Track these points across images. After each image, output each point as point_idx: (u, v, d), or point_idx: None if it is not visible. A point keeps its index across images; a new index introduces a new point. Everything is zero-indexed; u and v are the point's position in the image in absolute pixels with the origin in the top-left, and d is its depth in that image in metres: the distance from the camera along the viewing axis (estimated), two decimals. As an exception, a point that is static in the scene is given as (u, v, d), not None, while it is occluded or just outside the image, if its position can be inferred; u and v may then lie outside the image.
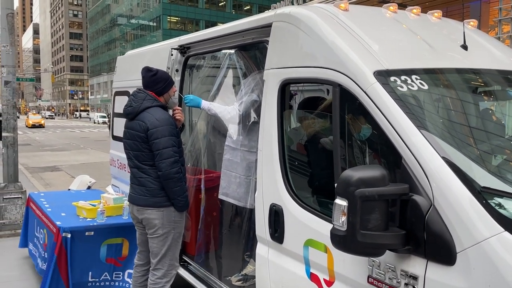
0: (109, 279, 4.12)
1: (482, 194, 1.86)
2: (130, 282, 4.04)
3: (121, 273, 4.14)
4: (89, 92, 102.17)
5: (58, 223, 3.97)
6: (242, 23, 3.34)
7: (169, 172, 3.34)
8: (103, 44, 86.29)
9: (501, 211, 1.84)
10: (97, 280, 4.07)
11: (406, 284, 1.96)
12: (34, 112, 74.93)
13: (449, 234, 1.81)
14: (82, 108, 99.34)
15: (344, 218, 1.88)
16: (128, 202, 3.72)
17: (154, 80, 3.56)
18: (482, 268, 1.72)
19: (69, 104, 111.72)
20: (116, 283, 4.15)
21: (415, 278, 1.93)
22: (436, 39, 2.73)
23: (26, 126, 46.36)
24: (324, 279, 2.41)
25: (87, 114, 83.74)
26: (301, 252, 2.53)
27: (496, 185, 2.03)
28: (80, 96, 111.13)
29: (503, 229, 1.74)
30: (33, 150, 21.05)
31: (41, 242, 4.53)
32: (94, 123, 59.05)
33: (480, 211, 1.79)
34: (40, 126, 46.31)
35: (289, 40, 2.76)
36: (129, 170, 3.65)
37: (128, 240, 4.10)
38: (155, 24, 64.15)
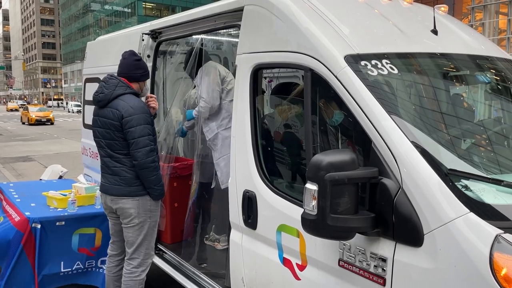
0: (82, 267, 4.04)
1: (449, 177, 1.89)
2: (104, 268, 3.99)
3: (94, 261, 4.07)
4: (63, 81, 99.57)
5: (27, 213, 3.85)
6: (214, 7, 3.28)
7: (145, 161, 3.25)
8: (76, 31, 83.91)
9: (467, 193, 1.87)
10: (70, 269, 3.99)
11: (375, 266, 1.98)
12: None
13: (416, 216, 1.84)
14: (55, 97, 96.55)
15: (314, 202, 1.88)
16: (100, 192, 3.64)
17: (137, 65, 3.47)
18: (448, 249, 1.75)
19: (42, 92, 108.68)
20: (89, 269, 4.08)
21: (384, 260, 1.95)
22: (407, 24, 2.74)
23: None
24: (297, 264, 2.42)
25: (61, 103, 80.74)
26: (274, 238, 2.53)
27: (463, 168, 2.06)
28: (54, 85, 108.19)
29: (468, 210, 1.77)
30: (5, 140, 20.45)
31: None
32: (69, 112, 57.50)
33: (447, 193, 1.82)
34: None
35: (261, 24, 2.72)
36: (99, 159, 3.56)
37: (101, 230, 4.03)
38: (130, 10, 62.68)
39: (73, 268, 4.00)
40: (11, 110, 59.78)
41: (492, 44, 3.32)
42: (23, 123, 32.48)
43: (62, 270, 3.94)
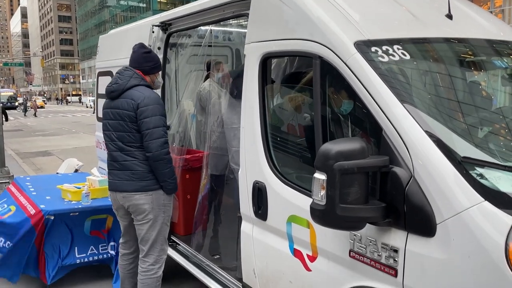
0: (96, 252, 4.11)
1: (462, 165, 1.83)
2: (113, 253, 4.00)
3: (106, 244, 4.15)
4: (81, 76, 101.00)
5: (42, 206, 3.92)
6: (222, -3, 3.24)
7: (159, 153, 3.16)
8: (93, 27, 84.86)
9: (481, 181, 1.81)
10: (85, 255, 4.06)
11: (387, 257, 1.94)
12: None
13: (429, 205, 1.78)
14: (74, 93, 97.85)
15: (323, 192, 1.85)
16: (109, 191, 3.46)
17: (146, 58, 3.42)
18: (462, 239, 1.70)
19: (61, 88, 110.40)
20: (104, 255, 4.17)
21: (395, 250, 1.90)
22: (420, 9, 2.66)
23: None
24: (307, 255, 2.39)
25: (79, 99, 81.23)
26: (284, 229, 2.50)
27: (478, 156, 1.99)
28: (72, 80, 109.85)
29: (483, 199, 1.71)
30: (25, 136, 20.85)
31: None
32: (87, 107, 57.97)
33: (460, 182, 1.76)
34: None
35: (269, 12, 2.68)
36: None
37: (113, 215, 4.06)
38: (144, 5, 63.07)
39: (88, 254, 4.08)
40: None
41: (511, 29, 3.20)
42: None
43: (77, 256, 4.03)
